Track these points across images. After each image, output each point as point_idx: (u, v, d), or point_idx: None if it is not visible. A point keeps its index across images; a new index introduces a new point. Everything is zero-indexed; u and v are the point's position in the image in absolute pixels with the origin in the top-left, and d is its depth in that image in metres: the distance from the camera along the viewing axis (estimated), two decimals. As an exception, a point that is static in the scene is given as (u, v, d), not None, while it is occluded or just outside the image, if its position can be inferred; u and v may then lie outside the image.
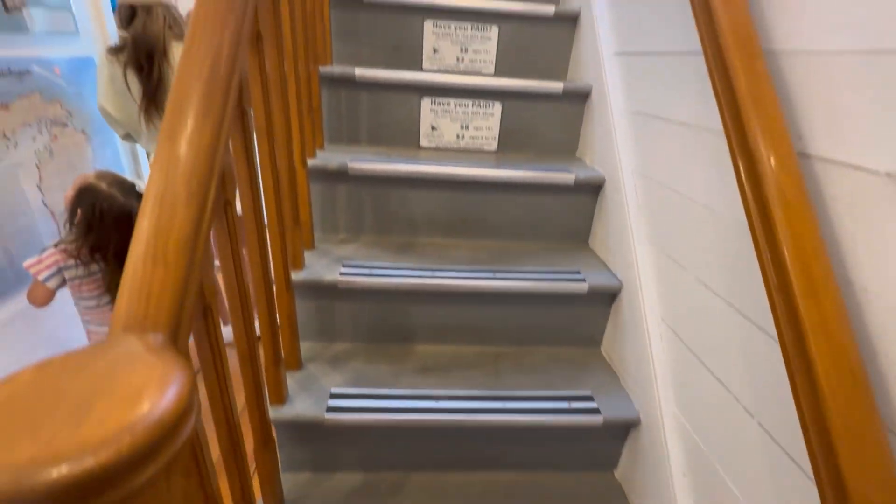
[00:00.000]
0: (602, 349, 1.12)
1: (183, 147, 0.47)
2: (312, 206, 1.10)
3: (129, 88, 1.44)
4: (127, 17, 1.43)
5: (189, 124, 0.48)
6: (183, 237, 0.43)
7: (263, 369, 0.77)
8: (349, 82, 1.21)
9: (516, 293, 1.02)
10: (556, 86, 1.23)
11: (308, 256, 1.04)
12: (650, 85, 0.99)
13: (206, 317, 0.51)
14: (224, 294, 0.65)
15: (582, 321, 1.10)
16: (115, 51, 1.43)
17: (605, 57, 1.18)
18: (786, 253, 0.51)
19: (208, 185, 0.47)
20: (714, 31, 0.65)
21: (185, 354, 0.40)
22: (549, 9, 1.34)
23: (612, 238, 1.10)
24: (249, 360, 0.67)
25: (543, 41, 1.39)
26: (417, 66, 1.40)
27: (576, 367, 1.05)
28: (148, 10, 1.43)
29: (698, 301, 0.80)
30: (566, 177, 1.12)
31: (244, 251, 0.67)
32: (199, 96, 0.50)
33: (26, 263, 1.17)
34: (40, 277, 1.17)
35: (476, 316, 1.07)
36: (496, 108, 1.27)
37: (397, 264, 1.04)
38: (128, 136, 1.57)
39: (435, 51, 1.39)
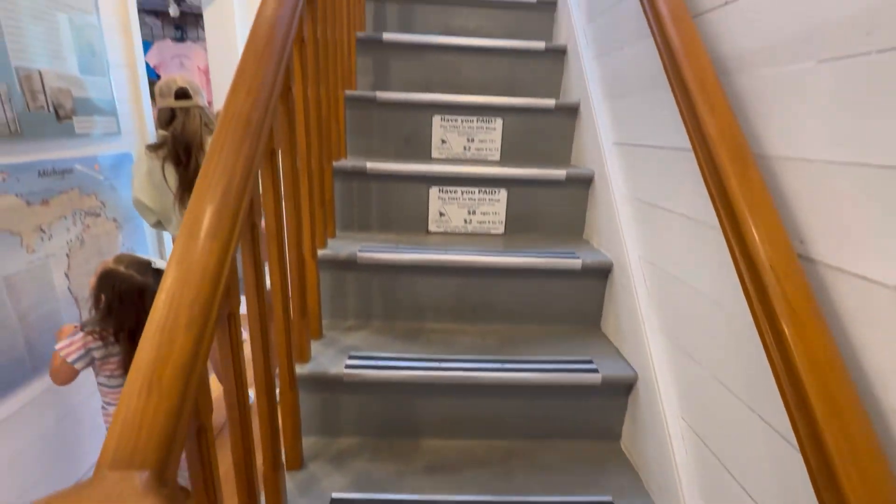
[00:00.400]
0: (622, 444, 1.05)
1: (189, 270, 0.49)
2: (322, 294, 1.12)
3: (166, 181, 1.58)
4: (167, 119, 1.60)
5: (197, 247, 0.51)
6: (181, 364, 0.43)
7: (261, 476, 0.74)
8: (361, 174, 1.27)
9: (527, 385, 0.99)
10: (558, 173, 1.28)
11: (315, 346, 1.04)
12: (650, 175, 1.02)
13: (200, 438, 0.50)
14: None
15: (598, 413, 1.04)
16: (154, 148, 1.59)
17: (604, 145, 1.23)
18: (801, 370, 0.48)
19: (210, 307, 0.48)
20: (703, 137, 0.67)
21: (170, 490, 0.39)
22: (550, 102, 1.43)
23: (624, 324, 1.07)
24: (245, 469, 0.65)
25: (546, 130, 1.47)
26: (427, 155, 1.48)
27: (594, 466, 0.98)
28: (186, 111, 1.60)
29: (717, 401, 0.75)
30: (573, 262, 1.12)
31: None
32: (209, 218, 0.53)
33: (58, 346, 1.22)
34: (69, 359, 1.21)
35: (486, 408, 1.02)
36: (502, 194, 1.31)
37: (404, 354, 1.03)
38: (158, 224, 1.68)
39: (443, 141, 1.47)
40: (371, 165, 1.26)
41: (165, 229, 1.70)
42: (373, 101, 1.41)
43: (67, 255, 1.46)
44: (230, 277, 0.55)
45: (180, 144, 1.58)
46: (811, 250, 0.58)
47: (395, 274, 1.16)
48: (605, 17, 1.31)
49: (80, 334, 1.22)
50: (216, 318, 0.50)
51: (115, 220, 1.68)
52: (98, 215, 1.60)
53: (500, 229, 1.35)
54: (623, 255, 1.08)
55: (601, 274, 1.16)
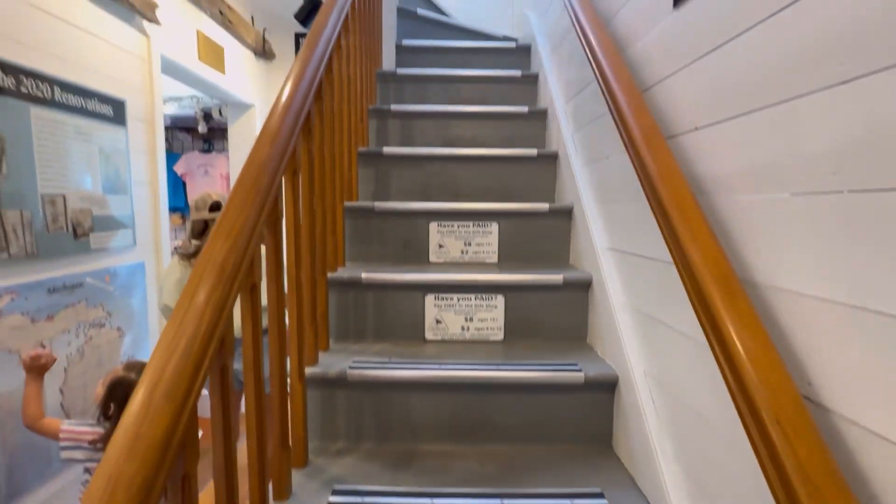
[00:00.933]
0: None
1: (136, 441, 0.46)
2: (310, 414, 1.06)
3: None
4: (200, 230, 1.69)
5: (150, 411, 0.48)
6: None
7: None
8: (357, 284, 1.27)
9: (530, 526, 0.87)
10: (555, 278, 1.26)
11: (297, 477, 0.96)
12: (646, 286, 0.99)
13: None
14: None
15: (616, 559, 0.90)
16: (188, 256, 1.64)
17: (599, 251, 1.22)
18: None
19: (153, 484, 0.44)
20: (687, 263, 0.65)
21: None
22: (544, 206, 1.46)
23: (636, 449, 0.97)
24: None
25: (542, 232, 1.48)
26: (425, 259, 1.49)
27: None
28: None
29: (748, 563, 0.64)
30: (575, 376, 1.05)
31: None
32: (169, 378, 0.51)
33: (64, 426, 1.20)
34: (62, 444, 1.18)
35: (485, 554, 0.90)
36: (499, 300, 1.29)
37: (395, 488, 0.93)
38: None
39: (441, 246, 1.49)
40: (366, 276, 1.26)
41: None
42: (371, 211, 1.46)
43: (65, 370, 1.45)
44: (187, 439, 0.52)
45: None
46: (821, 395, 0.52)
47: (387, 392, 1.10)
48: (591, 128, 1.37)
49: (88, 429, 1.20)
50: (161, 487, 0.46)
51: (119, 328, 1.69)
52: (102, 325, 1.62)
53: (500, 336, 1.30)
54: (627, 368, 1.01)
55: (607, 387, 1.08)
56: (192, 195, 3.23)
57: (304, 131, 1.03)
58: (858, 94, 0.49)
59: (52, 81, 1.38)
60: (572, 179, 1.46)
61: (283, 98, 0.92)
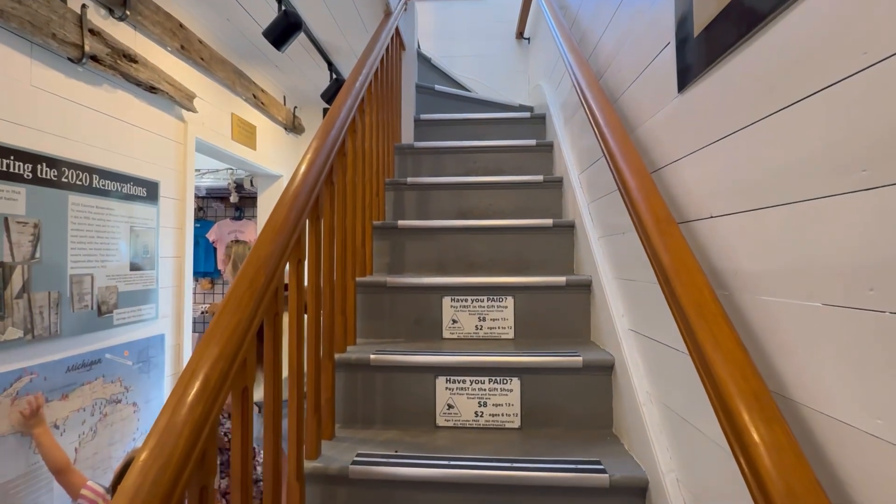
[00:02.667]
0: None
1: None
2: (309, 517, 0.98)
3: None
4: None
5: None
6: None
7: None
8: (365, 366, 1.23)
9: None
10: (575, 360, 1.17)
11: None
12: (673, 381, 0.89)
13: None
14: None
15: None
16: None
17: (620, 331, 1.14)
18: None
19: None
20: (712, 378, 0.57)
21: None
22: (561, 279, 1.40)
23: (672, 573, 0.83)
24: None
25: (560, 307, 1.41)
26: (438, 335, 1.44)
27: None
28: None
29: None
30: (599, 479, 0.94)
31: None
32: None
33: (89, 484, 1.21)
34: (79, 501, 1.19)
35: None
36: (514, 384, 1.20)
37: None
38: None
39: (454, 321, 1.43)
40: (375, 357, 1.21)
41: None
42: (384, 286, 1.44)
43: (76, 450, 1.43)
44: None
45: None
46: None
47: (393, 490, 1.01)
48: (606, 200, 1.34)
49: (107, 498, 1.20)
50: None
51: (134, 403, 1.68)
52: (119, 401, 1.61)
53: (516, 423, 1.20)
54: (657, 472, 0.89)
55: (636, 493, 0.96)
56: (223, 261, 3.35)
57: (313, 217, 1.04)
58: (888, 205, 0.43)
59: (91, 170, 1.48)
60: (589, 252, 1.40)
61: (291, 189, 0.94)
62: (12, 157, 1.22)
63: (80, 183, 1.44)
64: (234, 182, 3.20)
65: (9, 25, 1.18)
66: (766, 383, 0.56)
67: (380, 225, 1.66)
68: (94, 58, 1.43)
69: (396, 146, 2.09)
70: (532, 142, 2.04)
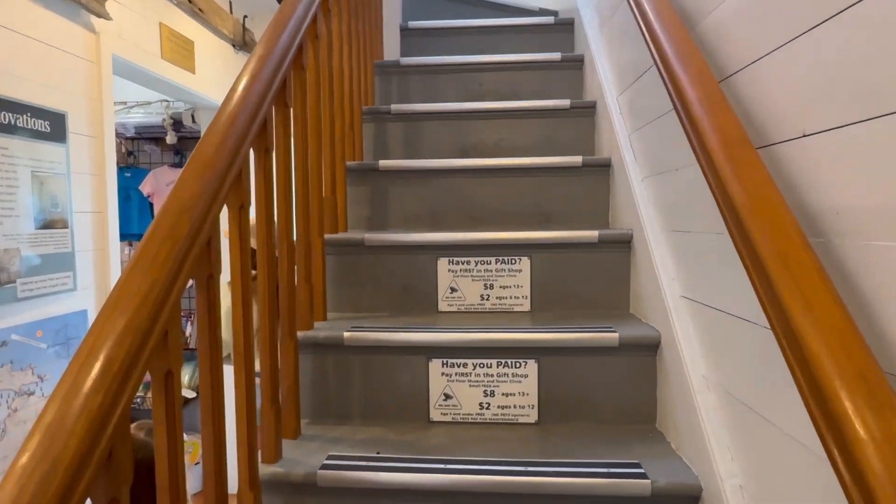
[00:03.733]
0: None
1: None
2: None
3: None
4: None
5: None
6: None
7: None
8: (338, 347, 1.19)
9: None
10: (609, 337, 1.13)
11: None
12: (738, 359, 0.85)
13: None
14: None
15: None
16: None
17: (669, 299, 1.09)
18: None
19: None
20: (802, 353, 0.52)
21: None
22: (593, 234, 1.34)
23: None
24: None
25: (591, 271, 1.36)
26: (432, 308, 1.40)
27: None
28: None
29: None
30: (640, 485, 0.91)
31: None
32: None
33: None
34: None
35: None
36: (531, 367, 1.17)
37: None
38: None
39: (453, 290, 1.39)
40: (349, 335, 1.17)
41: None
42: (361, 245, 1.39)
43: (-20, 453, 1.42)
44: None
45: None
46: None
47: (370, 500, 0.99)
48: (654, 127, 1.26)
49: None
50: None
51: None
52: (32, 394, 1.60)
53: (532, 416, 1.17)
54: (714, 476, 0.86)
55: (687, 503, 0.93)
56: (162, 219, 3.30)
57: (259, 148, 0.97)
58: None
59: (-31, 94, 1.39)
60: (630, 197, 1.33)
61: (227, 110, 0.86)
62: None
63: (-42, 112, 1.36)
64: (171, 117, 3.09)
65: None
66: (878, 361, 0.50)
67: (355, 166, 1.59)
68: (-39, -61, 1.32)
69: (377, 64, 1.99)
70: (556, 55, 1.93)
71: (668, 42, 0.92)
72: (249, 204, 0.91)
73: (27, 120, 1.58)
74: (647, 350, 1.14)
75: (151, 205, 3.30)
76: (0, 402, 1.50)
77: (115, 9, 1.92)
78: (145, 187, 3.24)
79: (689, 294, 1.05)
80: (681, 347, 1.02)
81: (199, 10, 2.46)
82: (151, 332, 0.62)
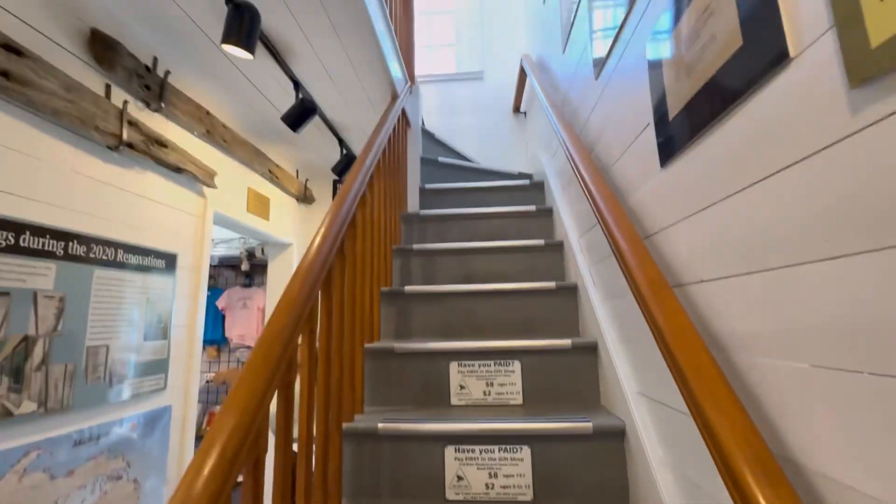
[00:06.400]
0: None
1: None
2: None
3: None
4: None
5: None
6: None
7: None
8: (372, 436, 1.21)
9: None
10: (584, 426, 1.16)
11: None
12: (685, 445, 0.89)
13: None
14: None
15: None
16: None
17: (629, 395, 1.14)
18: None
19: None
20: (718, 444, 0.58)
21: None
22: (567, 342, 1.41)
23: None
24: None
25: (568, 370, 1.41)
26: (446, 402, 1.43)
27: None
28: None
29: None
30: (617, 555, 0.90)
31: None
32: None
33: None
34: None
35: None
36: (525, 452, 1.18)
37: None
38: None
39: (462, 387, 1.43)
40: (383, 426, 1.21)
41: None
42: (392, 352, 1.46)
43: (73, 533, 1.38)
44: None
45: None
46: None
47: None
48: (606, 263, 1.39)
49: None
50: None
51: (135, 480, 1.64)
52: (120, 478, 1.57)
53: (528, 495, 1.16)
54: (678, 547, 0.86)
55: (658, 571, 0.91)
56: (231, 327, 3.38)
57: (325, 288, 1.09)
58: (854, 272, 0.48)
59: (116, 245, 1.57)
60: (593, 313, 1.43)
61: (305, 263, 1.00)
62: (48, 236, 1.31)
63: (106, 257, 1.52)
64: (246, 251, 3.31)
65: (61, 122, 1.33)
66: (770, 445, 0.57)
67: (387, 291, 1.71)
68: (129, 145, 1.58)
69: (403, 215, 2.19)
70: (532, 207, 2.14)
71: (607, 212, 1.08)
72: (317, 329, 1.01)
73: (151, 260, 1.74)
74: (616, 437, 1.16)
75: (223, 316, 3.39)
76: (95, 486, 1.48)
77: (217, 179, 2.19)
78: (220, 302, 3.37)
79: (644, 391, 1.10)
80: (641, 435, 1.05)
81: (276, 176, 2.77)
82: (251, 429, 0.69)
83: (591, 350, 1.41)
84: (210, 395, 3.29)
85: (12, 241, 1.22)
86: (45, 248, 1.31)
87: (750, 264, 0.67)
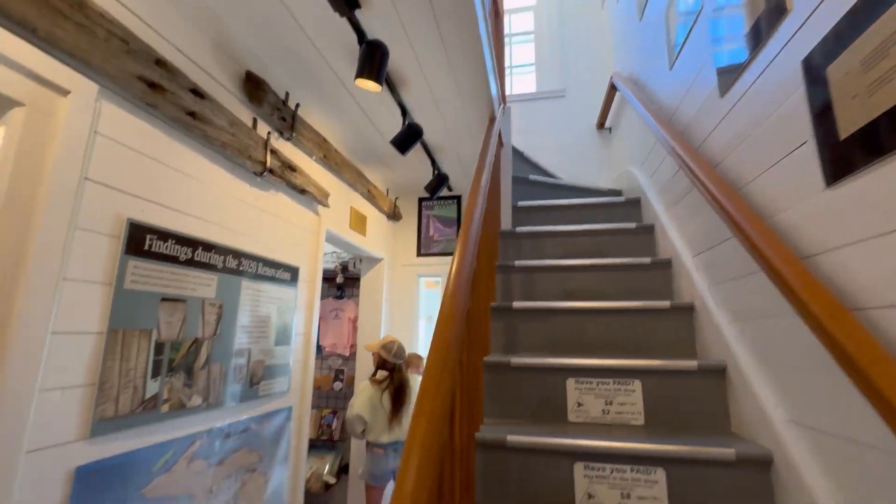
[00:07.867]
0: None
1: None
2: None
3: (382, 405, 2.33)
4: (380, 363, 2.45)
5: None
6: None
7: None
8: (500, 448, 1.24)
9: None
10: (726, 452, 1.11)
11: None
12: (870, 484, 0.83)
13: None
14: None
15: None
16: (378, 382, 2.39)
17: (777, 423, 1.08)
18: None
19: None
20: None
21: None
22: (692, 363, 1.36)
23: None
24: None
25: (692, 393, 1.36)
26: (563, 418, 1.42)
27: None
28: (399, 367, 2.44)
29: None
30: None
31: None
32: None
33: None
34: None
35: None
36: (660, 474, 1.15)
37: None
38: (363, 434, 2.33)
39: (579, 404, 1.42)
40: (512, 439, 1.23)
41: (366, 438, 2.33)
42: (507, 366, 1.49)
43: (222, 518, 1.52)
44: None
45: (398, 385, 2.41)
46: None
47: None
48: (734, 285, 1.33)
49: None
50: None
51: (265, 474, 1.78)
52: (254, 471, 1.72)
53: (664, 521, 1.13)
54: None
55: None
56: (324, 336, 3.59)
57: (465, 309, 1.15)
58: None
59: (257, 259, 1.75)
60: (719, 335, 1.37)
61: (459, 277, 1.06)
62: (213, 251, 1.50)
63: (251, 270, 1.70)
64: (340, 264, 3.52)
65: (225, 153, 1.53)
66: None
67: (496, 306, 1.75)
68: (270, 170, 1.77)
69: (500, 231, 2.24)
70: (632, 225, 2.10)
71: (752, 231, 1.05)
72: (466, 341, 1.07)
73: (280, 272, 1.92)
74: (761, 467, 1.10)
75: (318, 325, 3.62)
76: (238, 476, 1.63)
77: (329, 199, 2.37)
78: (315, 312, 3.61)
79: (798, 419, 1.03)
80: (798, 467, 0.98)
81: (372, 196, 2.94)
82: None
83: (718, 373, 1.35)
84: (318, 402, 3.50)
85: (190, 255, 1.41)
86: (211, 262, 1.49)
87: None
